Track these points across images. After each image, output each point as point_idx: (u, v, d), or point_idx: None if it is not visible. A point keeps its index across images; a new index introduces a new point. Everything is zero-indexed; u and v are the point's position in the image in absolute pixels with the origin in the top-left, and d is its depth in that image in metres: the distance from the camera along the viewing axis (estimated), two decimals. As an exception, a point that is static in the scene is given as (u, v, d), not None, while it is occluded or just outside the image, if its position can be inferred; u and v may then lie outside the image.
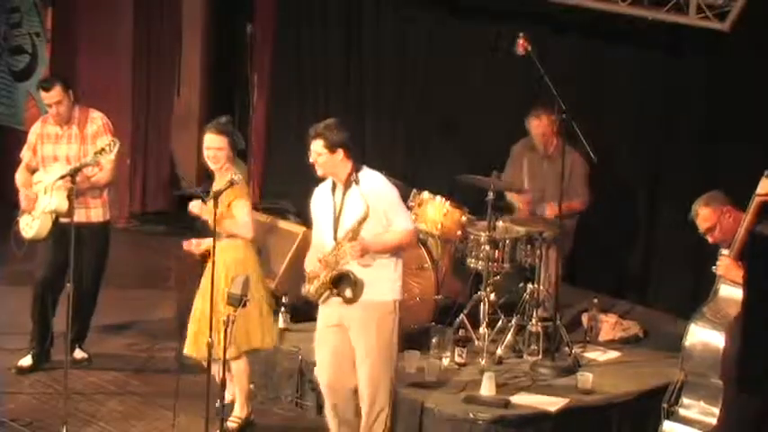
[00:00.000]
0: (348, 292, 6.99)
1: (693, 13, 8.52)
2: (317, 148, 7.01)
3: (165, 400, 8.02)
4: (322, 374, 7.27)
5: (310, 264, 7.12)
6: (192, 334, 7.60)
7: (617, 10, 8.82)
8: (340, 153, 6.99)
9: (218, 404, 7.54)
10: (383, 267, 7.05)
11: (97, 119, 8.40)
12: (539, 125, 8.89)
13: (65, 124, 8.36)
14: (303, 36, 11.28)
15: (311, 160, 7.07)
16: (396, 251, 7.08)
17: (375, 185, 7.04)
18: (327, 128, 7.03)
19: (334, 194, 7.10)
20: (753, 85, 8.65)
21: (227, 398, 7.64)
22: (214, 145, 7.49)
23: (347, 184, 7.03)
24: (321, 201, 7.17)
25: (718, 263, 6.92)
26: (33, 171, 8.45)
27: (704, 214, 7.01)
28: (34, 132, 8.48)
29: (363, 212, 6.93)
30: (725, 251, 6.96)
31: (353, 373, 7.14)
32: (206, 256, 7.52)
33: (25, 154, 8.48)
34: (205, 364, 7.38)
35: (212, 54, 12.14)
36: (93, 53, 11.35)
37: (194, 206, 7.54)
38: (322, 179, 7.18)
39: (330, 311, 7.14)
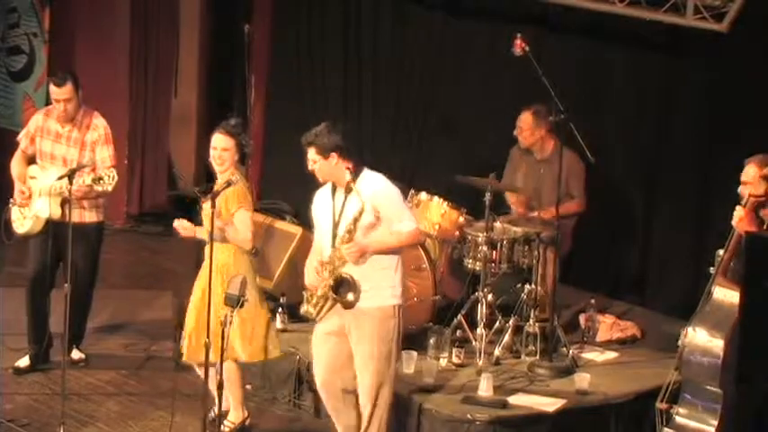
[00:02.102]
0: (350, 296, 6.92)
1: (691, 14, 8.52)
2: (311, 155, 7.01)
3: (163, 400, 8.03)
4: (318, 375, 7.26)
5: (309, 275, 7.07)
6: (193, 341, 7.51)
7: (614, 11, 8.83)
8: (334, 157, 6.96)
9: (212, 414, 7.53)
10: (383, 272, 6.99)
11: (100, 127, 8.34)
12: (521, 119, 8.88)
13: (68, 123, 8.33)
14: (301, 36, 11.28)
15: (309, 168, 7.06)
16: (396, 251, 7.03)
17: (376, 187, 6.98)
18: (318, 134, 7.00)
19: (334, 198, 7.05)
20: (751, 86, 8.65)
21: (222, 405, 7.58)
22: (221, 145, 7.48)
23: (348, 189, 6.98)
24: (321, 205, 7.14)
25: (734, 213, 6.95)
26: (29, 158, 8.43)
27: (750, 171, 7.05)
28: (35, 123, 8.43)
29: (358, 210, 6.88)
30: (722, 251, 7.00)
31: (349, 375, 7.12)
32: (200, 258, 7.53)
33: (23, 140, 8.44)
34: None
35: (210, 55, 12.14)
36: (90, 53, 11.34)
37: (181, 227, 7.58)
38: (323, 184, 7.14)
39: (330, 317, 7.08)
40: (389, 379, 7.08)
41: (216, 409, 7.47)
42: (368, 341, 7.00)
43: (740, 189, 7.05)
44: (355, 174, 6.99)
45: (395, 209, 6.99)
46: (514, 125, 8.98)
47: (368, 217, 6.91)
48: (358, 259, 6.92)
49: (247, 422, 7.77)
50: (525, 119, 8.88)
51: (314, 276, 7.03)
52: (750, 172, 7.03)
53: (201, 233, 7.48)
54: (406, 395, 7.66)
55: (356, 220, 6.90)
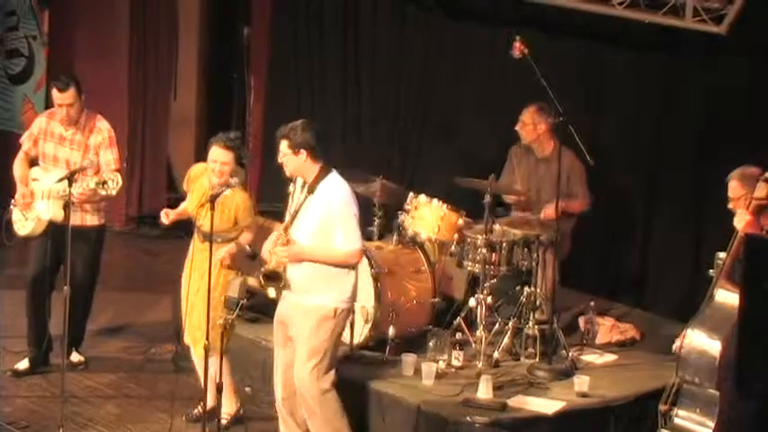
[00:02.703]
0: (271, 291, 7.16)
1: (690, 16, 8.53)
2: (282, 148, 7.16)
3: (162, 402, 8.03)
4: (275, 365, 7.38)
5: (264, 250, 7.26)
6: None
7: (613, 13, 8.83)
8: (303, 154, 7.09)
9: (197, 411, 7.64)
10: (332, 273, 7.12)
11: (103, 130, 8.35)
12: (524, 114, 8.88)
13: (71, 126, 8.33)
14: (300, 37, 11.28)
15: (279, 160, 7.18)
16: (330, 266, 7.14)
17: (329, 195, 7.11)
18: (293, 129, 7.14)
19: (301, 191, 7.21)
20: (750, 87, 8.66)
21: (209, 404, 7.56)
22: (220, 159, 7.54)
23: (310, 189, 7.13)
24: (294, 191, 7.30)
25: (736, 217, 6.97)
26: (31, 160, 8.43)
27: (732, 186, 7.14)
28: (38, 125, 8.43)
29: (284, 226, 7.12)
30: (722, 254, 7.01)
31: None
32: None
33: (25, 142, 8.45)
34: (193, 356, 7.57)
35: (209, 57, 12.14)
36: (89, 56, 11.34)
37: (165, 217, 7.71)
38: (291, 179, 7.29)
39: (281, 307, 7.28)
40: (321, 378, 7.15)
41: (201, 406, 7.57)
42: (302, 335, 7.15)
43: (730, 206, 7.09)
44: (321, 176, 7.12)
45: (339, 224, 7.08)
46: (514, 127, 8.97)
47: (308, 227, 7.10)
48: (288, 262, 7.10)
49: (241, 412, 7.81)
50: (528, 114, 8.87)
51: (266, 251, 7.22)
52: (732, 186, 7.11)
53: (182, 208, 7.76)
54: (406, 398, 7.65)
55: (286, 230, 7.10)
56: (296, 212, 7.17)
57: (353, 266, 7.21)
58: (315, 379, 7.14)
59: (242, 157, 7.72)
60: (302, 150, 7.09)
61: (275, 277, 7.13)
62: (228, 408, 7.73)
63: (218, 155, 7.54)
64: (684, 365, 6.88)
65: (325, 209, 7.08)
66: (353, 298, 7.31)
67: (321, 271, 7.12)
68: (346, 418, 7.29)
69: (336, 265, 7.14)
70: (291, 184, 7.34)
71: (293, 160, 7.13)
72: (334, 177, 7.18)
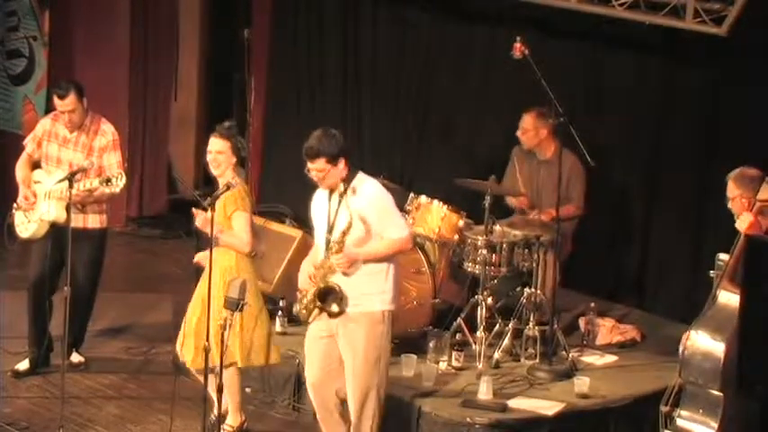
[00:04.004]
0: (334, 307, 6.94)
1: (690, 17, 8.52)
2: (320, 165, 6.91)
3: (162, 403, 8.03)
4: (309, 376, 7.25)
5: (302, 278, 7.10)
6: (193, 346, 7.53)
7: (613, 14, 8.82)
8: (341, 162, 6.95)
9: (212, 418, 7.55)
10: (373, 278, 6.98)
11: (108, 133, 8.35)
12: (524, 120, 8.89)
13: (75, 129, 8.34)
14: (300, 39, 11.28)
15: (315, 179, 6.98)
16: (388, 259, 7.02)
17: (367, 193, 6.96)
18: (322, 143, 6.90)
19: (330, 202, 7.04)
20: (749, 89, 8.65)
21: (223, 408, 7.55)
22: (215, 148, 7.51)
23: (341, 193, 6.98)
24: (318, 207, 7.13)
25: (740, 218, 6.95)
26: (34, 163, 8.44)
27: (729, 186, 7.12)
28: (43, 127, 8.44)
29: (347, 223, 6.88)
30: (723, 255, 7.01)
31: (340, 382, 7.13)
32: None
33: (29, 144, 8.45)
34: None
35: (209, 57, 12.14)
36: (90, 57, 11.33)
37: (200, 220, 7.50)
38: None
39: (322, 319, 7.08)
40: (378, 384, 7.06)
41: (216, 411, 7.48)
42: (356, 346, 7.00)
43: (729, 206, 7.08)
44: (348, 178, 6.97)
45: (386, 217, 6.97)
46: (514, 128, 8.98)
47: (357, 231, 6.91)
48: (348, 269, 6.92)
49: (245, 426, 7.77)
50: (528, 120, 8.88)
51: (305, 280, 7.06)
52: (729, 186, 7.10)
53: (200, 258, 7.54)
54: (406, 398, 7.66)
55: (344, 234, 6.90)
56: (332, 224, 6.98)
57: (415, 250, 7.19)
58: (376, 391, 7.03)
59: (239, 147, 7.63)
60: (341, 159, 6.92)
61: (330, 291, 6.93)
62: (233, 420, 7.70)
63: (214, 144, 7.51)
64: (688, 367, 6.87)
65: (363, 211, 6.90)
66: (397, 298, 7.17)
67: (362, 277, 6.96)
68: None
69: (393, 255, 6.97)
70: (314, 201, 7.13)
71: (334, 172, 6.93)
72: (361, 178, 7.02)
